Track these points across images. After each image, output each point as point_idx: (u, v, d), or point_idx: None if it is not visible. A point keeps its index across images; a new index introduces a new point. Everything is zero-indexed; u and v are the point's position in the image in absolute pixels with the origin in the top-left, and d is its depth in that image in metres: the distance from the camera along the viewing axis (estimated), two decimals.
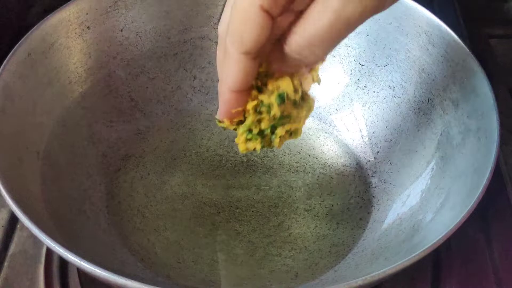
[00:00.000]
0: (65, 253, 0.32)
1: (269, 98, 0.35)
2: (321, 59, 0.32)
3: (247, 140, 0.37)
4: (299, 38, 0.31)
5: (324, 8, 0.29)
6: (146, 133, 0.51)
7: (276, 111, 0.35)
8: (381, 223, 0.44)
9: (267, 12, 0.30)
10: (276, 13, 0.30)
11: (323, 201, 0.47)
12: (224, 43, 0.32)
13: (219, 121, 0.37)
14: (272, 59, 0.35)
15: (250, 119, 0.36)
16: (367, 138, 0.50)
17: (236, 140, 0.38)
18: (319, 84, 0.36)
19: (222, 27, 0.33)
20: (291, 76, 0.35)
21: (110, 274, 0.31)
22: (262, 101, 0.35)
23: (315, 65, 0.34)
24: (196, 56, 0.53)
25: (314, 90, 0.37)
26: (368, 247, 0.42)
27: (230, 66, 0.33)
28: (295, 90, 0.35)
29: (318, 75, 0.36)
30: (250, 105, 0.36)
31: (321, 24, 0.29)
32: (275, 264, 0.43)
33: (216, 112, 0.36)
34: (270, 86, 0.35)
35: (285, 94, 0.35)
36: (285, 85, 0.35)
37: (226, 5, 0.33)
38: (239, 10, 0.30)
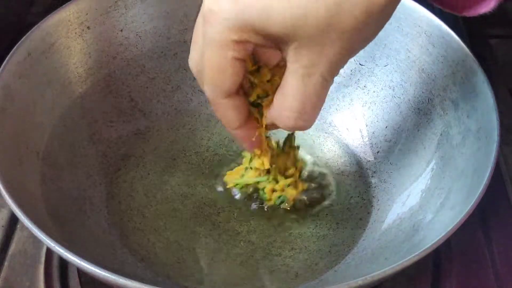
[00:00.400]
0: (65, 253, 0.32)
1: (270, 194, 0.43)
2: (311, 119, 0.36)
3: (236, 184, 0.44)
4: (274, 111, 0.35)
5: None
6: (146, 133, 0.51)
7: (271, 203, 0.44)
8: (381, 223, 0.44)
9: (240, 59, 0.31)
10: (248, 56, 0.32)
11: (323, 201, 0.47)
12: (201, 82, 0.34)
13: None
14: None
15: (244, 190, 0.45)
16: (367, 138, 0.50)
17: (227, 174, 0.45)
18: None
19: (192, 63, 0.34)
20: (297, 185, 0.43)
21: (110, 274, 0.31)
22: (263, 188, 0.43)
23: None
24: None
25: None
26: (368, 247, 0.42)
27: (219, 112, 0.35)
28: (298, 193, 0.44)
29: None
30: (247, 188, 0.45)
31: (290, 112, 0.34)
32: (275, 264, 0.43)
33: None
34: (278, 186, 0.42)
35: (286, 199, 0.44)
36: (289, 193, 0.43)
37: (192, 42, 0.34)
38: (211, 63, 0.31)
